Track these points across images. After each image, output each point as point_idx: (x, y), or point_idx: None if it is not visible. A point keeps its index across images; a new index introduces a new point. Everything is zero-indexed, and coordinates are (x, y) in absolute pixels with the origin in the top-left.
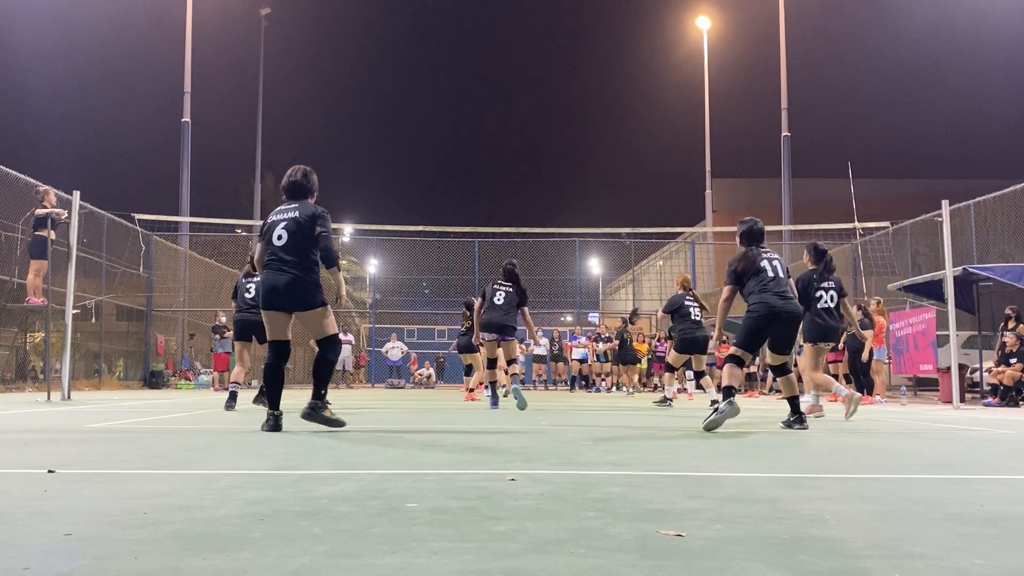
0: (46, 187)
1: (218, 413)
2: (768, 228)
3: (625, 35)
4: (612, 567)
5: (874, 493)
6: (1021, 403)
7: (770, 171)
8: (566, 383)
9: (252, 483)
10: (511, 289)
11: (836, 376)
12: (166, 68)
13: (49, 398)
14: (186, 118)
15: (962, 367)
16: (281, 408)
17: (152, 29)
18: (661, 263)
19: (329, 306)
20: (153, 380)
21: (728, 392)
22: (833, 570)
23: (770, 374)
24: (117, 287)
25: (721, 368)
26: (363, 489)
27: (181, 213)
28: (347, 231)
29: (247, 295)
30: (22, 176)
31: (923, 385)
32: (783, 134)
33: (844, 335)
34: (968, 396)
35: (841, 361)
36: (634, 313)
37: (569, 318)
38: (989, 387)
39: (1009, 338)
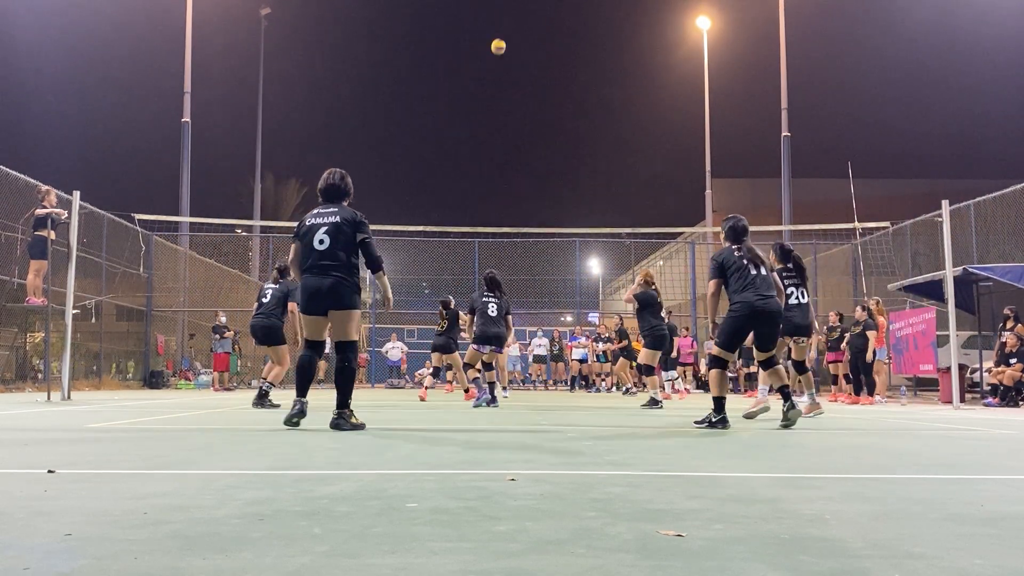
0: (47, 187)
1: (218, 413)
2: (768, 228)
3: (625, 35)
4: (612, 567)
5: (874, 493)
6: (1021, 403)
7: (770, 171)
8: (566, 383)
9: (252, 483)
10: (499, 300)
11: (837, 376)
12: (166, 68)
13: (49, 398)
14: (186, 118)
15: (962, 367)
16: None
17: (152, 29)
18: (661, 263)
19: (360, 312)
20: (153, 380)
21: (719, 405)
22: (833, 570)
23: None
24: (117, 287)
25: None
26: (363, 489)
27: (181, 213)
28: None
29: (263, 299)
30: (22, 176)
31: (923, 385)
32: (783, 134)
33: (847, 336)
34: (968, 396)
35: (842, 361)
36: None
37: (569, 318)
38: (989, 387)
39: (1010, 338)
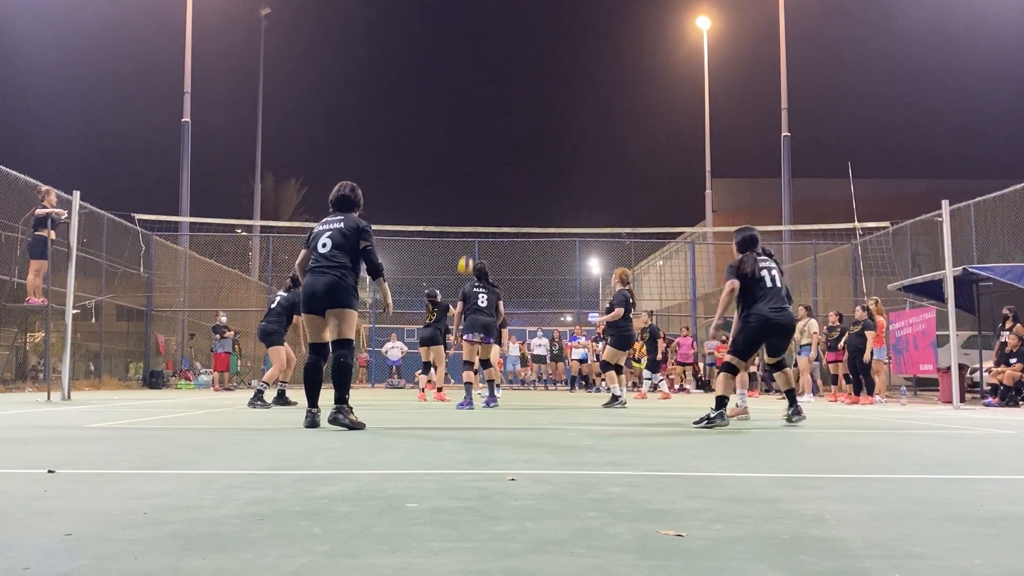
0: (47, 187)
1: (218, 413)
2: (768, 228)
3: (625, 35)
4: (612, 567)
5: (874, 493)
6: (1021, 403)
7: (770, 171)
8: (566, 383)
9: (252, 483)
10: (488, 290)
11: (837, 376)
12: (166, 68)
13: (49, 398)
14: (186, 118)
15: (962, 367)
16: (319, 406)
17: (152, 29)
18: (661, 263)
19: (357, 313)
20: (153, 380)
21: (721, 402)
22: (833, 570)
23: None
24: (117, 287)
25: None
26: (363, 489)
27: (181, 213)
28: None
29: (271, 305)
30: (22, 176)
31: (923, 385)
32: (783, 134)
33: (846, 335)
34: (968, 396)
35: (841, 361)
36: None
37: (569, 318)
38: (989, 387)
39: (1011, 339)
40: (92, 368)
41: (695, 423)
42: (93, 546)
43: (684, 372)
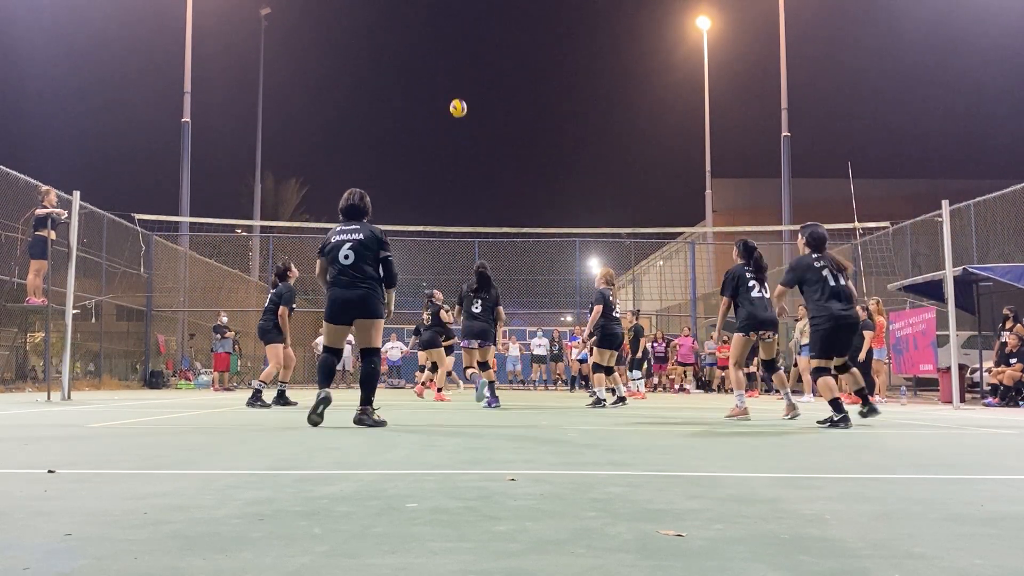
0: (47, 187)
1: (218, 413)
2: (768, 228)
3: (625, 35)
4: (612, 567)
5: (874, 493)
6: (1021, 403)
7: (770, 171)
8: (566, 383)
9: (252, 483)
10: (487, 295)
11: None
12: (166, 68)
13: (49, 398)
14: (186, 118)
15: (962, 367)
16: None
17: (152, 29)
18: (661, 263)
19: (383, 320)
20: (153, 380)
21: (837, 405)
22: (833, 570)
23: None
24: (117, 287)
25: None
26: (363, 489)
27: (181, 213)
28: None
29: (268, 303)
30: (22, 176)
31: (923, 385)
32: (783, 134)
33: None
34: (968, 396)
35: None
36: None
37: (569, 318)
38: (989, 387)
39: (1011, 339)
40: (92, 368)
41: (819, 422)
42: (93, 546)
43: (684, 372)
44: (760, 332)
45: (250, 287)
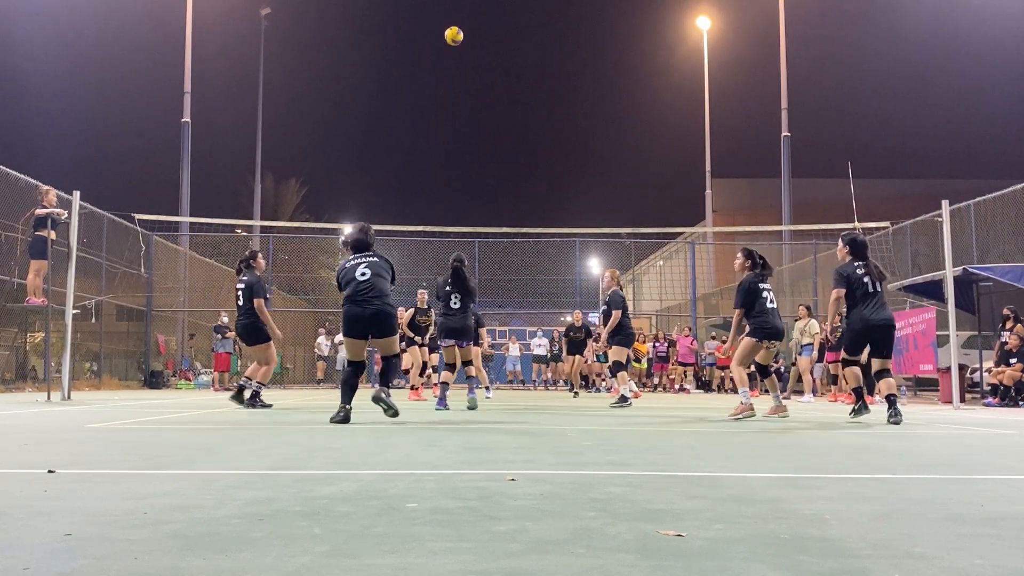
0: (47, 187)
1: (218, 413)
2: (768, 228)
3: (625, 35)
4: (612, 567)
5: (874, 493)
6: (1021, 403)
7: (770, 171)
8: (566, 383)
9: (252, 483)
10: (463, 290)
11: (837, 376)
12: (166, 68)
13: (49, 398)
14: (186, 118)
15: (962, 367)
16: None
17: (152, 29)
18: (661, 263)
19: (399, 332)
20: (153, 380)
21: (859, 393)
22: (833, 570)
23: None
24: (117, 287)
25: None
26: (363, 489)
27: (181, 213)
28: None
29: (239, 301)
30: (22, 176)
31: (923, 385)
32: (783, 134)
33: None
34: (968, 396)
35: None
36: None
37: (569, 318)
38: (989, 387)
39: (1012, 339)
40: (96, 368)
41: (850, 415)
42: (93, 546)
43: (684, 372)
44: (769, 341)
45: None
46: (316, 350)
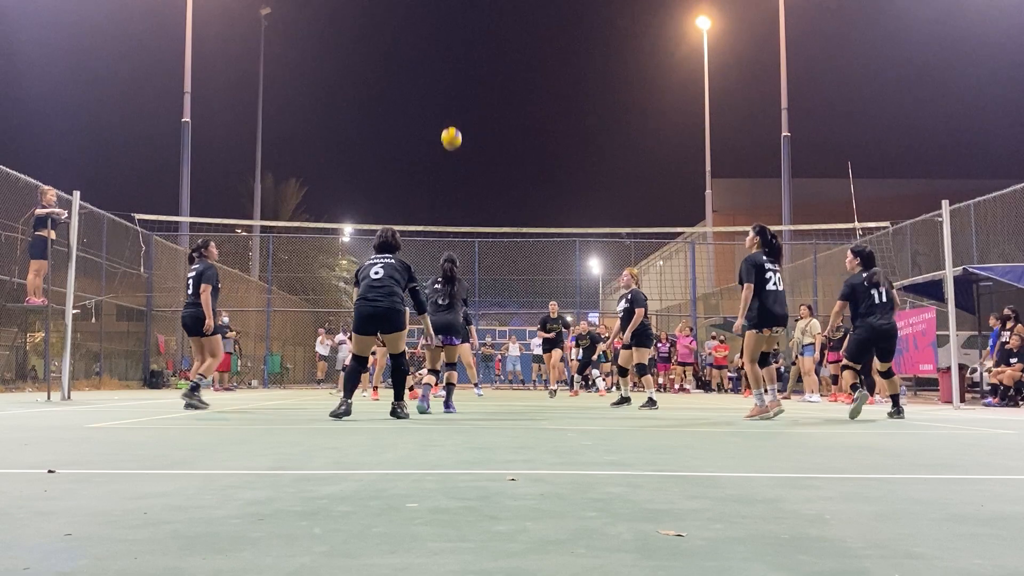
0: (47, 187)
1: (218, 413)
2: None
3: (625, 35)
4: (612, 567)
5: (874, 493)
6: (1021, 403)
7: (770, 171)
8: (566, 383)
9: (252, 483)
10: (453, 289)
11: (837, 376)
12: (166, 68)
13: (49, 398)
14: (186, 118)
15: (962, 367)
16: (352, 399)
17: (152, 29)
18: (661, 263)
19: (406, 330)
20: (153, 380)
21: (854, 387)
22: (833, 570)
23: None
24: (117, 287)
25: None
26: (363, 489)
27: (181, 213)
28: (347, 231)
29: (188, 289)
30: (23, 176)
31: (923, 385)
32: (783, 134)
33: (846, 335)
34: (968, 396)
35: (841, 360)
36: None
37: (569, 318)
38: (989, 387)
39: (1013, 339)
40: (99, 369)
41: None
42: (93, 546)
43: (684, 372)
44: (773, 328)
45: (250, 287)
46: (317, 350)
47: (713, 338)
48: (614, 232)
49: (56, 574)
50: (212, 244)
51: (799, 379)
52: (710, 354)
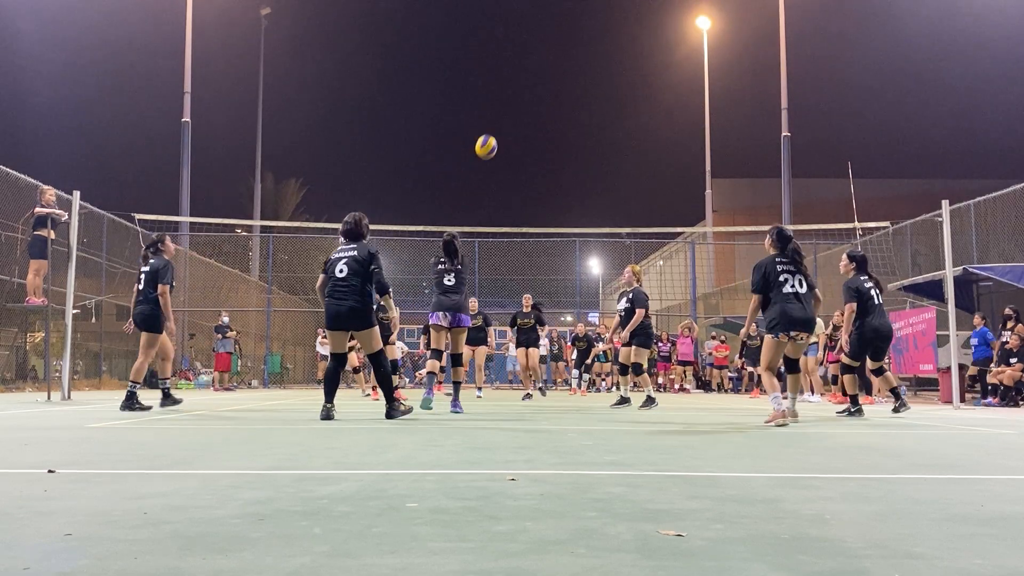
0: (47, 186)
1: (218, 413)
2: (768, 228)
3: (625, 35)
4: (612, 567)
5: (874, 493)
6: (1021, 403)
7: (770, 171)
8: (566, 383)
9: (252, 483)
10: (459, 267)
11: (838, 376)
12: (166, 68)
13: (49, 398)
14: (186, 118)
15: (962, 367)
16: (334, 402)
17: (152, 29)
18: (661, 263)
19: (377, 327)
20: (153, 380)
21: (855, 399)
22: (833, 570)
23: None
24: (117, 287)
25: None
26: (363, 489)
27: (181, 213)
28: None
29: (139, 285)
30: (23, 176)
31: (923, 385)
32: (783, 134)
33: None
34: (968, 396)
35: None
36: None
37: (569, 318)
38: (989, 387)
39: (1013, 339)
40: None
41: (837, 413)
42: (93, 546)
43: (684, 372)
44: (792, 333)
45: (250, 287)
46: (318, 349)
47: (713, 338)
48: (614, 232)
49: (56, 574)
50: (168, 239)
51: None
52: (710, 354)
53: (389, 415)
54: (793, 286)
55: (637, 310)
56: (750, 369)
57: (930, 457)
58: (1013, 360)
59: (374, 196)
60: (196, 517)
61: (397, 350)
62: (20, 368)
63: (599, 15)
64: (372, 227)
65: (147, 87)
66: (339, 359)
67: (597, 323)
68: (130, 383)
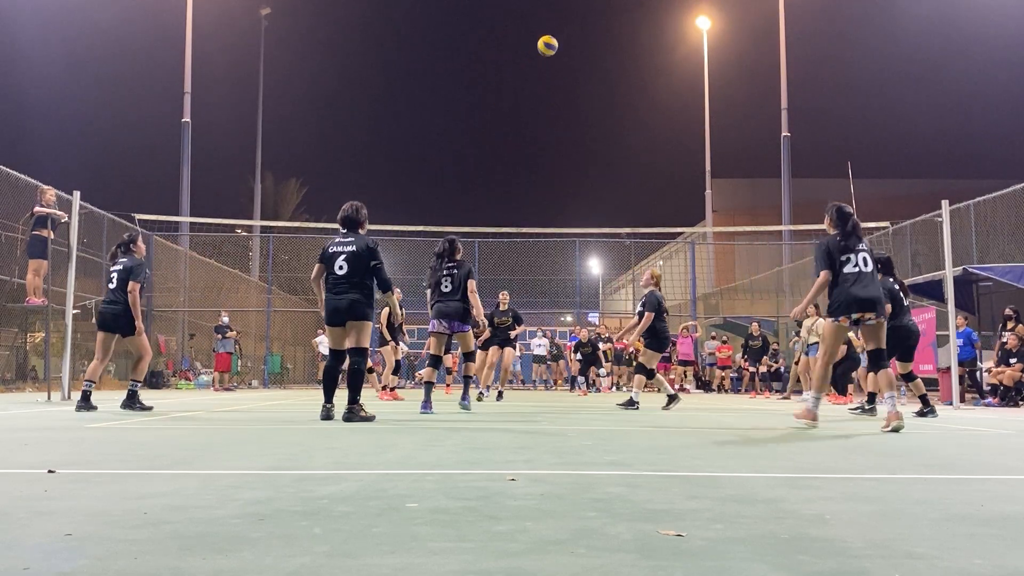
0: (46, 186)
1: (218, 413)
2: (768, 228)
3: (625, 35)
4: (612, 567)
5: (874, 493)
6: (1021, 403)
7: (770, 171)
8: (566, 383)
9: (252, 483)
10: (456, 271)
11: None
12: (166, 68)
13: (49, 398)
14: (186, 118)
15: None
16: (334, 402)
17: (152, 29)
18: (661, 263)
19: (371, 323)
20: (153, 380)
21: (872, 397)
22: (833, 570)
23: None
24: None
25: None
26: (363, 489)
27: (181, 213)
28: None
29: (110, 284)
30: (23, 176)
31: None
32: (783, 134)
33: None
34: (968, 396)
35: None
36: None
37: (569, 318)
38: (989, 387)
39: (1011, 339)
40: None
41: (850, 410)
42: (93, 546)
43: (684, 372)
44: (855, 316)
45: (250, 287)
46: (316, 348)
47: (713, 338)
48: (614, 232)
49: (56, 574)
50: (140, 239)
51: (797, 379)
52: (711, 354)
53: (347, 418)
54: (857, 264)
55: (646, 313)
56: (751, 369)
57: (930, 457)
58: (1013, 360)
59: (374, 196)
60: (196, 517)
61: (399, 350)
62: (20, 368)
63: (599, 15)
64: (372, 227)
65: (147, 87)
66: (338, 357)
67: (597, 323)
68: (131, 382)
